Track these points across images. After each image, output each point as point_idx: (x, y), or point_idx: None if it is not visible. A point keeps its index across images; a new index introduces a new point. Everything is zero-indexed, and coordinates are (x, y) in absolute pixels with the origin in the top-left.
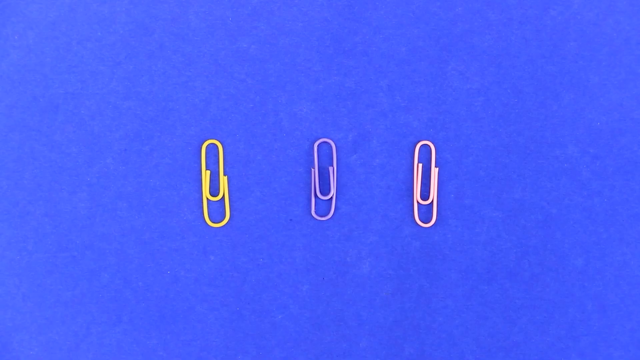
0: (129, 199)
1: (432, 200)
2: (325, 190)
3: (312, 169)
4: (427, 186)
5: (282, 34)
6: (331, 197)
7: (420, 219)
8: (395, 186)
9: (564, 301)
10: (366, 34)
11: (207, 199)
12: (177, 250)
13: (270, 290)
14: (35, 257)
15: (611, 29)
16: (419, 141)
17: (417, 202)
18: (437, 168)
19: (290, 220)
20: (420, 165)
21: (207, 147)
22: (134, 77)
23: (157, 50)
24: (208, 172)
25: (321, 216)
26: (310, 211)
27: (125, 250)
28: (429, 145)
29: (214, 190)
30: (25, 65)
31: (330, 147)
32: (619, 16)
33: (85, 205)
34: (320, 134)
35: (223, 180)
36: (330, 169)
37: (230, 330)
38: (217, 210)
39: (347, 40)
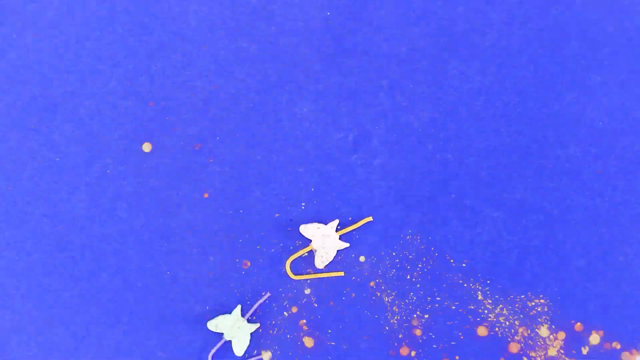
0: (129, 199)
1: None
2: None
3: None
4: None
5: (282, 34)
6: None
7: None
8: (395, 186)
9: (566, 302)
10: (366, 34)
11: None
12: (177, 250)
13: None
14: (34, 258)
15: (613, 28)
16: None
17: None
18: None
19: (291, 220)
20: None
21: (206, 147)
22: (133, 77)
23: (157, 50)
24: None
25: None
26: (309, 211)
27: (125, 251)
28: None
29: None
30: (25, 65)
31: (329, 149)
32: (620, 16)
33: (85, 205)
34: (320, 134)
35: None
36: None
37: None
38: (216, 211)
39: (347, 40)
